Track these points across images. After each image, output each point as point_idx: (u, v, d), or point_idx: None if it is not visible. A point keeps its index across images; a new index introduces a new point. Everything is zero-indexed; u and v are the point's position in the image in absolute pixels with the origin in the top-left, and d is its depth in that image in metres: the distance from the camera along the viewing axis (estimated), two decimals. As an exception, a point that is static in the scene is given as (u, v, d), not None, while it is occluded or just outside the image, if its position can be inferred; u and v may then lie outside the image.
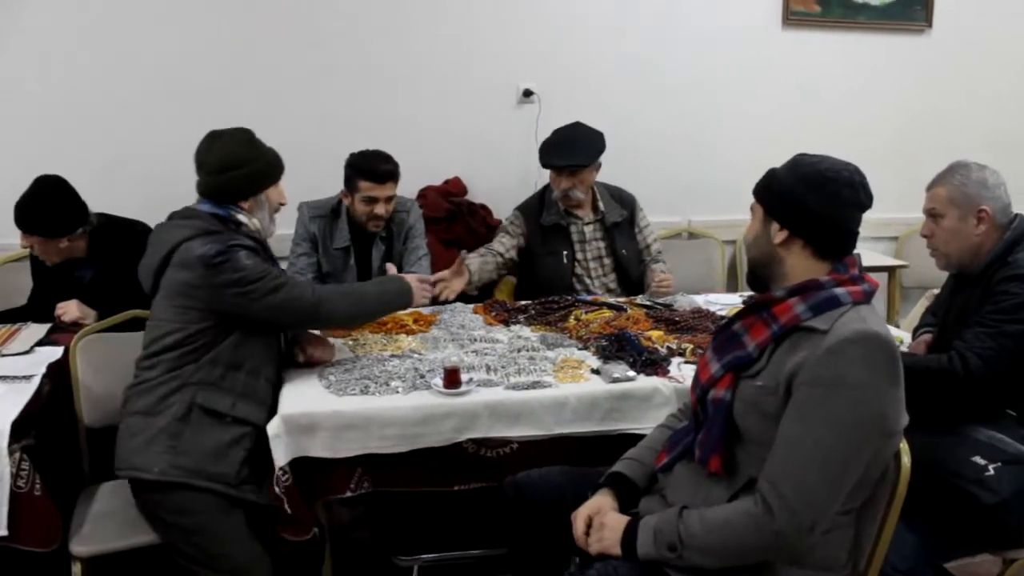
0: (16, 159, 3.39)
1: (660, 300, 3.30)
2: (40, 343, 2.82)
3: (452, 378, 2.34)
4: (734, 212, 4.46)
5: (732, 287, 4.49)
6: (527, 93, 4.15)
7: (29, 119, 3.76)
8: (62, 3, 3.70)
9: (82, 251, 3.08)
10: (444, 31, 4.07)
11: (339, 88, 4.01)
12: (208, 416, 2.28)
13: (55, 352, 2.71)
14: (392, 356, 2.61)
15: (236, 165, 2.34)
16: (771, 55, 4.45)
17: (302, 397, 2.32)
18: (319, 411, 2.24)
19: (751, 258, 1.91)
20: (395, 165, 3.24)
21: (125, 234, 3.13)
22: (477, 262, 3.36)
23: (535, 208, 3.57)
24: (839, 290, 1.75)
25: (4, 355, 2.71)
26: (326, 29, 3.94)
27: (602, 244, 3.57)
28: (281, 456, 2.21)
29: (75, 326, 2.89)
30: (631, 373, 2.46)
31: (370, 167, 3.19)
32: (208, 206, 2.37)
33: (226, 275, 2.24)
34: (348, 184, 3.24)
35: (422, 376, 2.42)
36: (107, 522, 2.42)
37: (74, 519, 2.43)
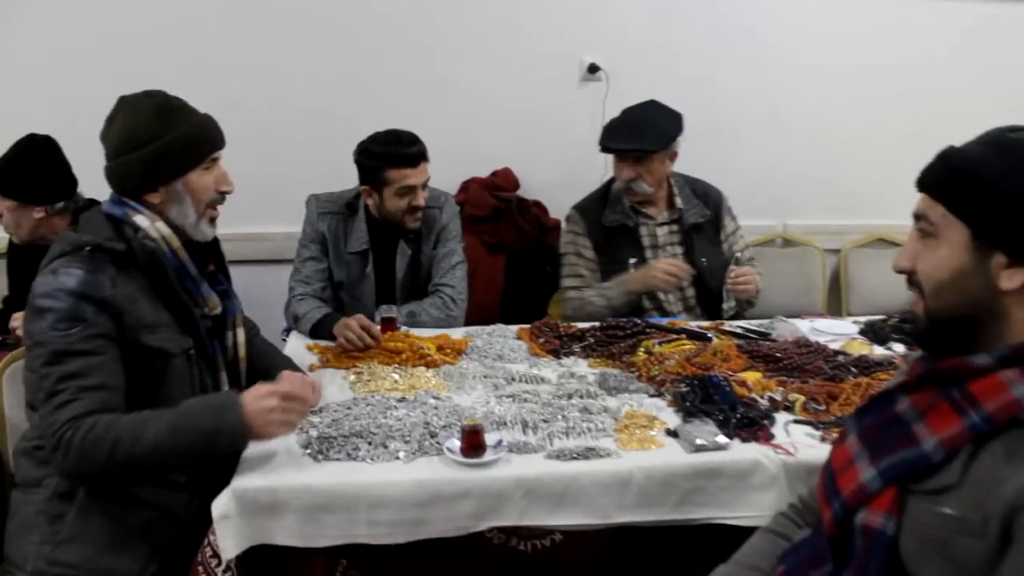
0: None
1: (754, 326, 2.61)
2: (-27, 365, 2.28)
3: (472, 442, 1.70)
4: (838, 215, 3.79)
5: (833, 307, 3.77)
6: (592, 69, 3.49)
7: (29, 93, 3.27)
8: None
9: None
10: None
11: (366, 59, 3.41)
12: (98, 497, 1.70)
13: (-20, 381, 2.15)
14: (401, 400, 1.98)
15: (137, 144, 1.73)
16: (887, 25, 3.69)
17: (266, 461, 1.70)
18: (286, 486, 1.62)
19: (940, 308, 1.18)
20: (422, 142, 2.66)
21: None
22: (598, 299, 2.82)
23: (596, 205, 2.95)
24: None
25: (-78, 381, 2.17)
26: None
27: (679, 250, 2.93)
28: (230, 545, 1.59)
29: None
30: (721, 439, 1.79)
31: (399, 151, 2.60)
32: (109, 204, 1.79)
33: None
34: (371, 178, 2.63)
35: (433, 435, 1.79)
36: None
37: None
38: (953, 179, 1.17)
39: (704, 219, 2.96)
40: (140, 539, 1.71)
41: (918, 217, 1.21)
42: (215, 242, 1.92)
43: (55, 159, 2.56)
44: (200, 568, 1.62)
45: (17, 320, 2.51)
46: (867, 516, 1.15)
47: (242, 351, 1.93)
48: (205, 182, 1.80)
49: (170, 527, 1.74)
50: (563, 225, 3.01)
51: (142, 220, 1.74)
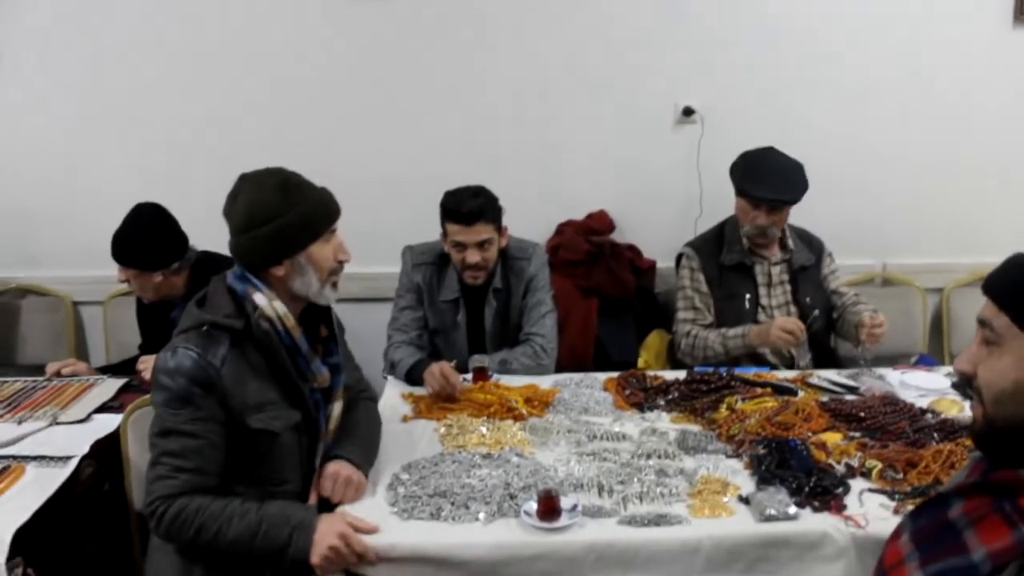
0: (118, 191, 3.08)
1: (842, 379, 2.62)
2: (104, 406, 2.51)
3: (548, 507, 1.79)
4: (941, 253, 3.68)
5: (935, 347, 3.68)
6: (687, 112, 3.49)
7: (132, 150, 3.52)
8: (169, 27, 3.42)
9: (180, 289, 2.81)
10: (587, 38, 3.46)
11: (465, 107, 3.49)
12: (222, 558, 1.83)
13: (110, 423, 2.37)
14: (486, 456, 2.09)
15: (261, 221, 1.82)
16: (998, 60, 3.55)
17: (358, 514, 1.84)
18: (374, 544, 1.76)
19: (999, 417, 1.19)
20: (487, 201, 2.69)
21: None
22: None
23: (711, 244, 3.08)
24: None
25: (60, 422, 2.40)
26: (452, 36, 3.44)
27: (788, 288, 3.04)
28: None
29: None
30: (791, 509, 1.83)
31: (455, 205, 2.67)
32: (232, 276, 1.90)
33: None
34: (442, 226, 2.75)
35: (513, 496, 1.89)
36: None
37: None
38: (1019, 289, 1.19)
39: (810, 263, 3.08)
40: None
41: (982, 323, 1.22)
42: (328, 312, 2.01)
43: (164, 225, 2.75)
44: None
45: (143, 364, 2.72)
46: (913, 621, 1.19)
47: (334, 423, 2.02)
48: (325, 253, 1.90)
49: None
50: (681, 262, 3.10)
51: (260, 299, 1.83)
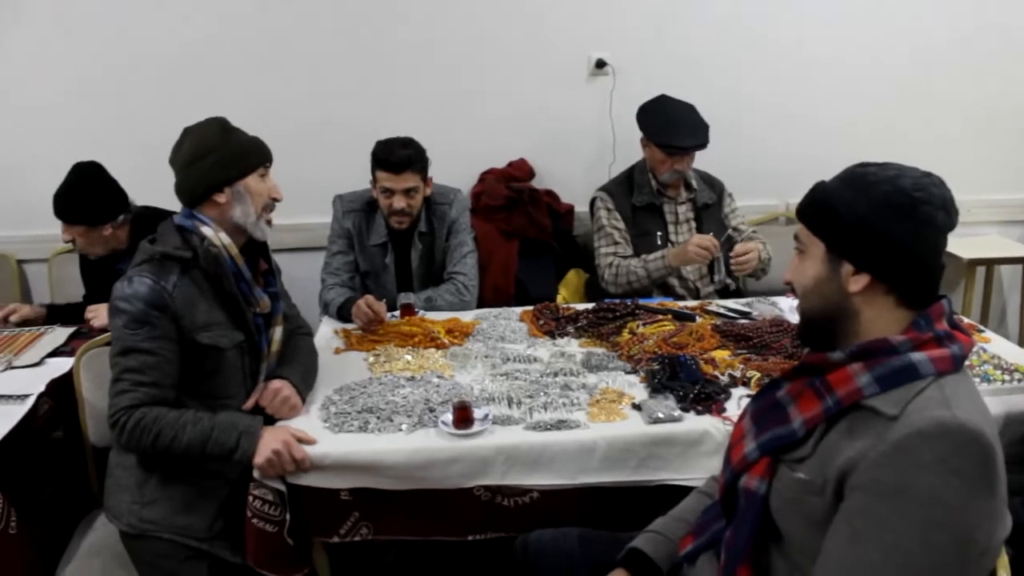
0: (57, 150, 3.19)
1: (737, 305, 2.89)
2: (56, 351, 2.68)
3: (461, 416, 2.03)
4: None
5: (835, 279, 3.97)
6: (600, 64, 3.72)
7: (68, 109, 3.63)
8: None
9: (124, 242, 2.95)
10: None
11: (390, 63, 3.67)
12: (175, 466, 2.06)
13: (62, 365, 2.54)
14: (410, 379, 2.32)
15: (204, 154, 2.03)
16: (894, 19, 3.82)
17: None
18: (310, 453, 1.97)
19: (808, 309, 1.49)
20: (415, 152, 2.91)
21: None
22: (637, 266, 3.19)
23: (622, 187, 3.33)
24: (917, 355, 1.33)
25: (15, 367, 2.57)
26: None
27: (693, 225, 3.32)
28: (275, 483, 1.98)
29: (104, 332, 2.72)
30: (676, 412, 2.09)
31: (385, 154, 2.89)
32: (180, 217, 2.11)
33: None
34: (372, 173, 2.96)
35: (432, 410, 2.13)
36: (96, 559, 2.21)
37: (66, 552, 2.25)
38: (814, 206, 1.46)
39: (712, 201, 3.34)
40: (208, 501, 2.08)
41: (796, 238, 1.50)
42: (265, 248, 2.22)
43: (105, 180, 2.88)
44: (252, 516, 1.98)
45: (91, 312, 2.89)
46: (747, 480, 1.45)
47: (276, 346, 2.23)
48: (261, 188, 2.11)
49: (230, 490, 2.10)
50: (595, 204, 3.34)
51: (207, 230, 2.04)
